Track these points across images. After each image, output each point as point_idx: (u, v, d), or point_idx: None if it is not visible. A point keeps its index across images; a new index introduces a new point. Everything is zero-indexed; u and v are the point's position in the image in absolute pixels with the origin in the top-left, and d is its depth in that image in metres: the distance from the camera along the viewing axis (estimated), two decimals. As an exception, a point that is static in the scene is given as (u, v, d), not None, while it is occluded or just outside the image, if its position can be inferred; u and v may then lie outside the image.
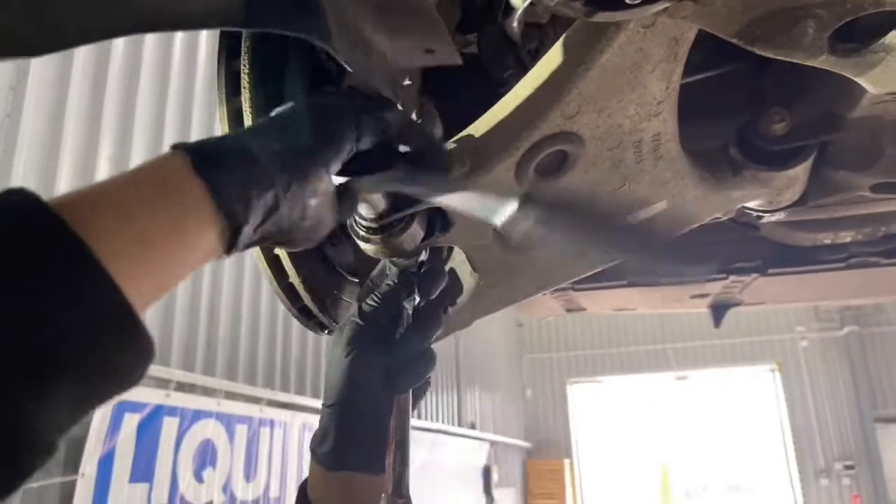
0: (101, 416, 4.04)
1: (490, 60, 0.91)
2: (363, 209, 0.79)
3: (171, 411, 4.54)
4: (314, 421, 5.52)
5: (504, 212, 0.71)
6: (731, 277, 1.70)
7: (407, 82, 0.83)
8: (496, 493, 10.85)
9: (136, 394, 4.34)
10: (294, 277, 0.96)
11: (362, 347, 0.83)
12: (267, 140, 0.57)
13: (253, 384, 5.49)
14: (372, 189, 0.73)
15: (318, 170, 0.59)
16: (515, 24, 0.89)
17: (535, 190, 0.85)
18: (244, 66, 0.87)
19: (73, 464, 4.05)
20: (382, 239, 0.81)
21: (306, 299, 0.98)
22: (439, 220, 0.86)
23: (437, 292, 0.87)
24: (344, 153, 0.62)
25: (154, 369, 4.61)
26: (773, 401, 12.92)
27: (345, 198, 0.71)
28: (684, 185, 0.96)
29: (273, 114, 0.61)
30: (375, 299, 0.85)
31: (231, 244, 0.54)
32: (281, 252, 0.94)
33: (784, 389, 12.78)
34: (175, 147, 0.52)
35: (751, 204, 1.06)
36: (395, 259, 0.89)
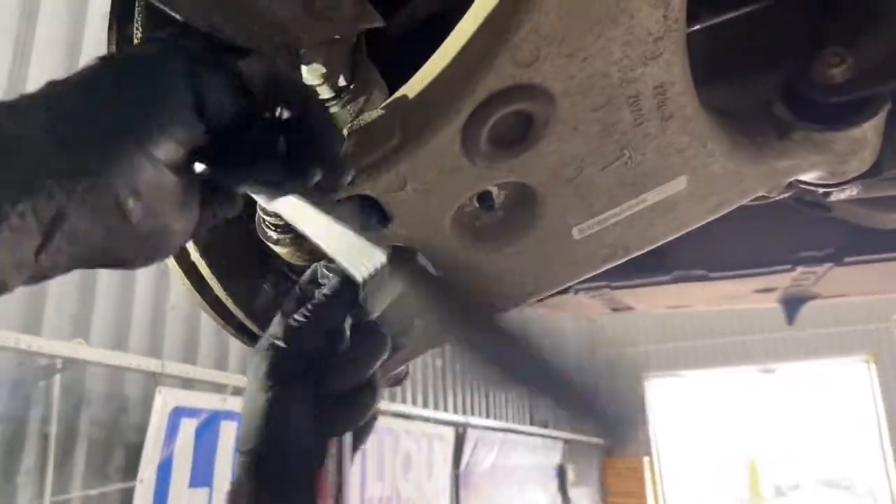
0: (157, 422, 4.03)
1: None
2: (265, 202, 0.61)
3: (229, 416, 4.51)
4: (378, 423, 5.48)
5: (360, 264, 0.52)
6: (800, 269, 1.43)
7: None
8: (572, 492, 10.54)
9: (192, 399, 4.33)
10: (219, 290, 0.78)
11: (284, 380, 0.64)
12: (42, 117, 0.39)
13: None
14: (246, 187, 0.55)
15: (126, 154, 0.40)
16: None
17: (495, 167, 0.64)
18: (137, 30, 0.70)
19: (131, 470, 4.07)
20: (293, 239, 0.62)
21: (240, 315, 0.81)
22: (374, 213, 0.67)
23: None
24: (176, 125, 0.43)
25: (211, 374, 4.59)
26: (868, 393, 12.08)
27: (213, 194, 0.52)
28: (709, 153, 0.73)
29: (62, 78, 0.42)
30: (304, 315, 0.66)
31: (4, 287, 0.36)
32: (199, 260, 0.77)
33: (880, 382, 11.91)
34: None
35: (806, 177, 0.82)
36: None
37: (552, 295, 1.58)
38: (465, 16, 0.58)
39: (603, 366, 13.43)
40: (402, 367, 0.90)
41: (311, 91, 0.56)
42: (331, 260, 0.70)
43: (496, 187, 0.71)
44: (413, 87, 0.61)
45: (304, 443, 0.63)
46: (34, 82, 3.40)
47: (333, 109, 0.70)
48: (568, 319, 11.92)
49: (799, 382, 12.92)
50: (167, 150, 0.42)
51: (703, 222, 0.82)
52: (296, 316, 0.65)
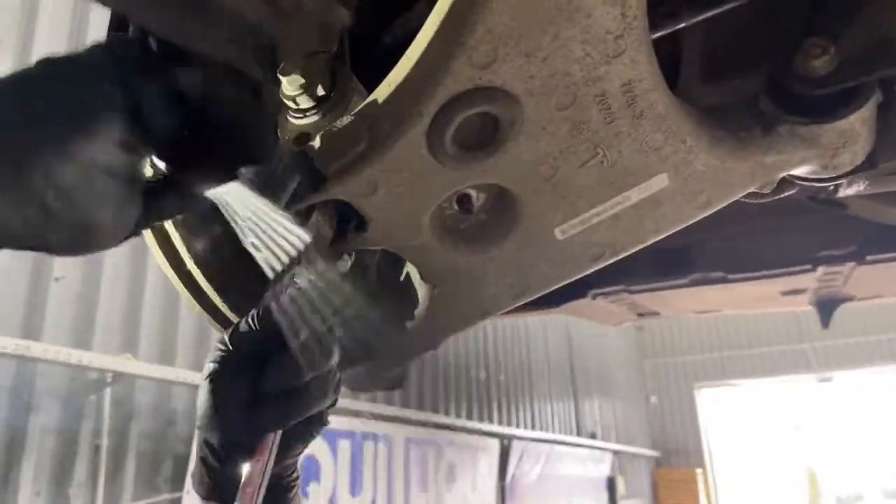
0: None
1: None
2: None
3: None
4: (420, 434, 5.50)
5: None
6: (822, 269, 1.40)
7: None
8: (622, 504, 10.37)
9: (237, 411, 4.41)
10: (215, 298, 0.81)
11: (224, 372, 0.67)
12: None
13: (355, 397, 5.47)
14: (203, 187, 0.57)
15: (46, 153, 0.43)
16: None
17: (466, 169, 0.65)
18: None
19: (179, 480, 4.17)
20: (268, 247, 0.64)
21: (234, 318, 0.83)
22: (353, 218, 0.68)
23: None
24: (105, 128, 0.45)
25: (255, 386, 4.68)
26: (934, 402, 11.57)
27: (166, 191, 0.55)
28: (688, 150, 0.72)
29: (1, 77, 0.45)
30: (252, 319, 0.69)
31: None
32: (194, 269, 0.80)
33: (947, 389, 11.40)
34: None
35: (798, 171, 0.81)
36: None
37: (565, 300, 1.58)
38: (427, 21, 0.60)
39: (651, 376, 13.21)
40: (399, 370, 0.91)
41: (244, 98, 0.57)
42: (313, 265, 0.72)
43: (475, 190, 0.72)
44: (381, 92, 0.63)
45: (237, 430, 0.66)
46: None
47: (312, 118, 0.72)
48: (614, 331, 11.74)
49: (858, 391, 12.44)
50: (94, 152, 0.44)
51: (695, 219, 0.81)
52: (247, 319, 0.68)
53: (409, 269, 0.80)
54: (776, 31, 0.85)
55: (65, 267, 3.79)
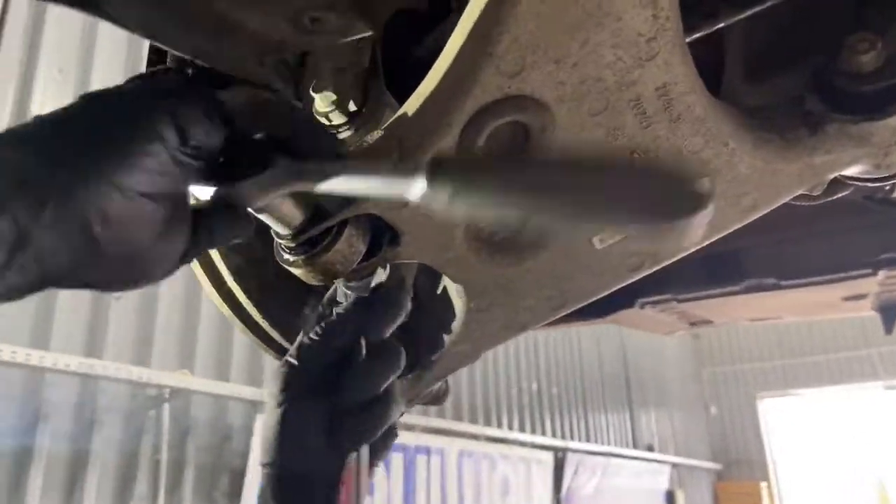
0: (259, 447, 4.19)
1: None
2: (277, 226, 0.63)
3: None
4: (473, 447, 5.46)
5: (404, 190, 0.52)
6: (883, 272, 1.34)
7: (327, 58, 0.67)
8: (683, 519, 10.10)
9: (290, 425, 4.47)
10: (255, 314, 0.82)
11: (295, 395, 0.66)
12: (19, 150, 0.43)
13: (407, 411, 5.48)
14: (257, 199, 0.58)
15: (93, 183, 0.43)
16: None
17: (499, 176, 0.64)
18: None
19: (236, 494, 4.24)
20: (305, 260, 0.65)
21: (278, 337, 0.84)
22: (387, 232, 0.68)
23: (391, 324, 0.69)
24: (148, 156, 0.46)
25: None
26: None
27: (212, 217, 0.56)
28: (731, 153, 0.70)
29: (47, 114, 0.46)
30: (316, 332, 0.69)
31: None
32: (233, 286, 0.81)
33: None
34: None
35: (850, 172, 0.77)
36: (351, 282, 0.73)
37: (611, 310, 1.54)
38: (454, 32, 0.60)
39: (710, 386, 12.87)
40: (441, 385, 0.90)
41: (294, 107, 0.58)
42: (349, 279, 0.72)
43: (509, 200, 0.71)
44: (410, 105, 0.63)
45: (318, 455, 0.64)
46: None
47: (345, 134, 0.72)
48: (670, 340, 11.48)
49: (931, 399, 11.88)
50: (139, 180, 0.45)
51: (740, 224, 0.79)
52: (310, 334, 0.68)
53: (446, 282, 0.80)
54: (821, 26, 0.82)
55: (124, 286, 3.90)
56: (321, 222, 0.63)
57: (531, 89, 0.58)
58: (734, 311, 1.79)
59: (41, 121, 0.45)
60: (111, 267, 0.46)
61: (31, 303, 3.54)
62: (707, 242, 0.80)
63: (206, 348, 4.38)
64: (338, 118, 0.72)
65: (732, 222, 0.78)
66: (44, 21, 3.81)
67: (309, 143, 0.55)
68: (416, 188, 0.47)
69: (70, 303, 3.69)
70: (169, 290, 4.13)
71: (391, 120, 0.65)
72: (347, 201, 0.63)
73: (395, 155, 0.62)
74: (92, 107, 0.46)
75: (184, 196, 0.50)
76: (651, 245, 0.74)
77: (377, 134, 0.64)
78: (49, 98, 3.75)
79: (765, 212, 0.78)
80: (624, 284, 0.80)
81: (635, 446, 9.59)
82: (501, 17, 0.54)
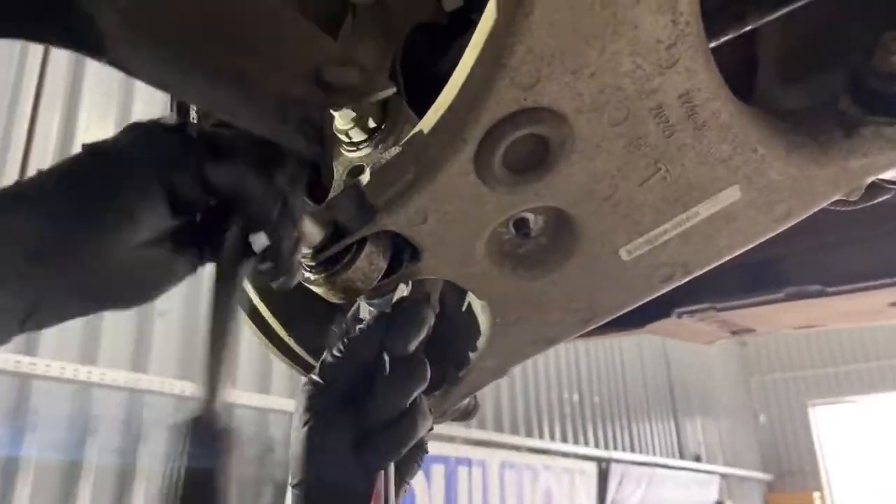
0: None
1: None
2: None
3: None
4: (514, 458, 5.42)
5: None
6: (929, 278, 1.28)
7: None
8: (733, 531, 9.84)
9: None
10: (282, 332, 0.82)
11: (321, 412, 0.66)
12: (25, 209, 0.46)
13: (447, 422, 5.47)
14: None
15: (97, 244, 0.47)
16: None
17: (518, 193, 0.63)
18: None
19: (281, 508, 4.28)
20: (326, 278, 0.65)
21: (304, 355, 0.84)
22: (407, 248, 0.68)
23: (414, 339, 0.68)
24: (146, 213, 0.49)
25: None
26: None
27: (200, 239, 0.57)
28: (760, 159, 0.68)
29: (49, 168, 0.49)
30: (339, 350, 0.68)
31: None
32: (260, 305, 0.81)
33: None
34: None
35: (889, 175, 0.74)
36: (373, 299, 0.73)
37: (648, 320, 1.51)
38: (469, 44, 0.59)
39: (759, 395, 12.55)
40: (470, 400, 0.89)
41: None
42: (371, 297, 0.72)
43: (531, 213, 0.70)
44: (427, 121, 0.62)
45: (345, 472, 0.64)
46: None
47: (365, 150, 0.72)
48: (715, 348, 11.23)
49: None
50: (142, 234, 0.49)
51: (774, 232, 0.76)
52: (333, 351, 0.67)
53: (471, 297, 0.79)
54: (857, 25, 0.79)
55: (168, 302, 3.99)
56: (340, 240, 0.63)
57: (548, 101, 0.57)
58: (777, 320, 1.73)
59: (47, 177, 0.48)
60: (121, 301, 0.52)
61: (79, 320, 3.62)
62: (741, 251, 0.77)
63: (247, 361, 4.44)
64: (357, 135, 0.72)
65: (766, 230, 0.75)
66: (86, 60, 3.93)
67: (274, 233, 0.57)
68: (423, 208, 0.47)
69: (116, 319, 3.78)
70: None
71: (408, 137, 0.64)
72: (366, 219, 0.63)
73: (411, 171, 0.61)
74: (93, 163, 0.49)
75: (188, 233, 0.53)
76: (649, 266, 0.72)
77: (394, 150, 0.64)
78: (94, 122, 3.87)
79: (800, 218, 0.75)
80: (655, 295, 0.78)
81: (682, 456, 9.39)
82: (514, 29, 0.53)
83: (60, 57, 3.77)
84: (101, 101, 3.96)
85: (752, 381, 12.83)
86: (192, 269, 0.55)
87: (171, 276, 0.53)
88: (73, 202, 0.47)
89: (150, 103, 4.00)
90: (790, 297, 1.38)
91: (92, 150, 0.49)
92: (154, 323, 3.98)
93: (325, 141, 0.63)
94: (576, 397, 7.51)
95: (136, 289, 0.51)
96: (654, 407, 9.11)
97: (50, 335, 3.46)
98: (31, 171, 0.47)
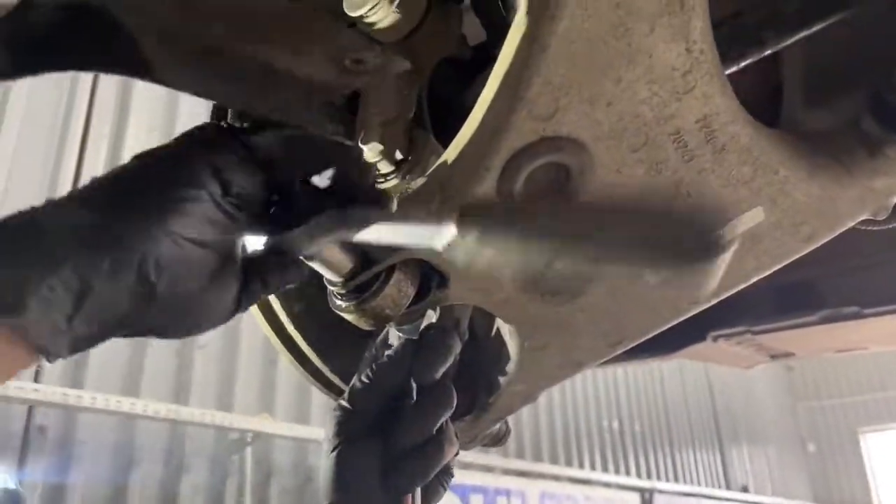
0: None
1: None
2: (328, 273, 0.66)
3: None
4: (554, 489, 5.32)
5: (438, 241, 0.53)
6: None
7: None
8: (784, 564, 9.50)
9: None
10: (316, 360, 0.84)
11: (350, 438, 0.68)
12: (76, 209, 0.47)
13: (485, 451, 5.42)
14: (305, 246, 0.60)
15: (144, 231, 0.47)
16: None
17: (535, 219, 0.65)
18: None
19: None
20: (356, 306, 0.67)
21: (339, 382, 0.86)
22: (434, 275, 0.69)
23: (441, 366, 0.70)
24: (194, 203, 0.49)
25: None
26: None
27: (264, 264, 0.58)
28: (783, 180, 0.68)
29: (103, 174, 0.51)
30: (367, 376, 0.70)
31: (42, 349, 0.44)
32: (293, 332, 0.84)
33: None
34: None
35: (917, 195, 0.74)
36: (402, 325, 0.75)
37: (682, 344, 1.50)
38: (489, 78, 0.61)
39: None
40: (501, 426, 0.90)
41: (329, 142, 0.60)
42: (400, 323, 0.74)
43: (556, 238, 0.71)
44: (450, 152, 0.64)
45: (373, 498, 0.66)
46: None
47: (392, 182, 0.74)
48: (760, 374, 10.95)
49: None
50: (186, 225, 0.48)
51: (801, 253, 0.76)
52: (361, 378, 0.69)
53: (499, 322, 0.80)
54: (877, 44, 0.79)
55: (207, 334, 4.06)
56: (369, 268, 0.65)
57: (567, 130, 0.59)
58: (816, 343, 1.70)
59: (97, 180, 0.49)
60: (168, 313, 0.49)
61: (123, 354, 3.72)
62: (768, 273, 0.77)
63: (286, 392, 4.48)
64: (385, 167, 0.75)
65: (792, 251, 0.75)
66: (132, 85, 4.08)
67: (352, 191, 0.57)
68: (445, 235, 0.48)
69: (159, 352, 3.86)
70: (249, 335, 4.26)
71: (433, 167, 0.66)
72: (393, 247, 0.65)
73: (436, 200, 0.63)
74: (141, 164, 0.50)
75: (232, 245, 0.53)
76: (675, 289, 0.72)
77: (420, 181, 0.66)
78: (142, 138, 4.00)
79: (827, 239, 0.75)
80: (684, 318, 0.78)
81: (728, 486, 9.13)
82: (531, 62, 0.55)
83: (107, 98, 3.93)
84: (145, 138, 4.09)
85: (799, 408, 12.46)
86: (249, 294, 0.56)
87: (221, 292, 0.53)
88: (121, 196, 0.48)
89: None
90: (826, 320, 1.36)
91: (140, 153, 0.51)
92: (194, 356, 4.05)
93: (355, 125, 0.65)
94: (616, 425, 7.38)
95: (182, 288, 0.49)
96: (697, 434, 8.90)
97: (95, 367, 3.55)
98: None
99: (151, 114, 4.16)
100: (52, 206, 0.46)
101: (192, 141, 0.52)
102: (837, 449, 12.14)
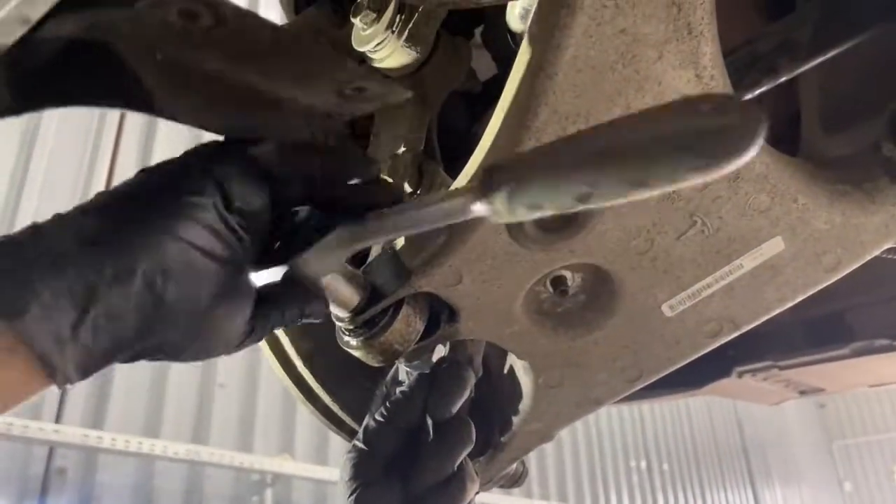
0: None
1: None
2: (336, 308, 0.64)
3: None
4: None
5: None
6: None
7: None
8: None
9: None
10: (326, 398, 0.83)
11: (368, 481, 0.66)
12: (80, 219, 0.46)
13: (508, 493, 5.31)
14: (322, 264, 0.58)
15: (150, 236, 0.46)
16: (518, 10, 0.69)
17: (552, 251, 0.63)
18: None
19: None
20: (364, 342, 0.65)
21: (349, 421, 0.84)
22: (444, 309, 0.68)
23: (456, 400, 0.68)
24: (199, 210, 0.48)
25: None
26: None
27: (283, 297, 0.56)
28: (802, 209, 0.66)
29: (109, 189, 0.50)
30: (382, 415, 0.68)
31: (46, 360, 0.42)
32: (303, 371, 0.82)
33: None
34: None
35: (944, 221, 0.71)
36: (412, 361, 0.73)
37: (707, 380, 1.45)
38: (496, 108, 0.60)
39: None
40: (518, 466, 0.87)
41: (320, 144, 0.59)
42: (410, 359, 0.72)
43: (569, 271, 0.69)
44: (458, 183, 0.63)
45: None
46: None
47: (402, 215, 0.73)
48: (792, 412, 10.67)
49: None
50: (191, 231, 0.47)
51: (825, 283, 0.73)
52: (375, 416, 0.67)
53: (512, 359, 0.78)
54: (893, 69, 0.77)
55: (227, 374, 4.06)
56: (377, 303, 0.64)
57: (575, 159, 0.57)
58: (846, 378, 1.65)
59: (102, 193, 0.48)
60: (177, 328, 0.47)
61: (143, 394, 3.72)
62: (792, 303, 0.75)
63: (306, 432, 4.44)
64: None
65: (815, 282, 0.72)
66: (157, 119, 4.16)
67: (363, 199, 0.56)
68: (476, 205, 0.45)
69: (179, 391, 3.86)
70: (268, 374, 4.25)
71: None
72: (401, 281, 0.63)
73: (444, 233, 0.62)
74: (146, 176, 0.50)
75: (241, 262, 0.51)
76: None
77: (427, 213, 0.65)
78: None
79: (851, 269, 0.72)
80: (704, 352, 0.75)
81: (763, 527, 8.85)
82: (538, 91, 0.54)
83: (132, 132, 4.01)
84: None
85: (833, 446, 12.09)
86: (265, 323, 0.54)
87: (233, 309, 0.51)
88: (127, 205, 0.47)
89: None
90: (857, 353, 1.31)
91: (146, 167, 0.50)
92: (214, 395, 4.04)
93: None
94: (643, 464, 7.21)
95: (190, 300, 0.47)
96: (728, 474, 8.66)
97: (115, 408, 3.55)
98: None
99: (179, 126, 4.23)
100: (58, 217, 0.46)
101: (194, 154, 0.51)
102: (875, 488, 11.71)
